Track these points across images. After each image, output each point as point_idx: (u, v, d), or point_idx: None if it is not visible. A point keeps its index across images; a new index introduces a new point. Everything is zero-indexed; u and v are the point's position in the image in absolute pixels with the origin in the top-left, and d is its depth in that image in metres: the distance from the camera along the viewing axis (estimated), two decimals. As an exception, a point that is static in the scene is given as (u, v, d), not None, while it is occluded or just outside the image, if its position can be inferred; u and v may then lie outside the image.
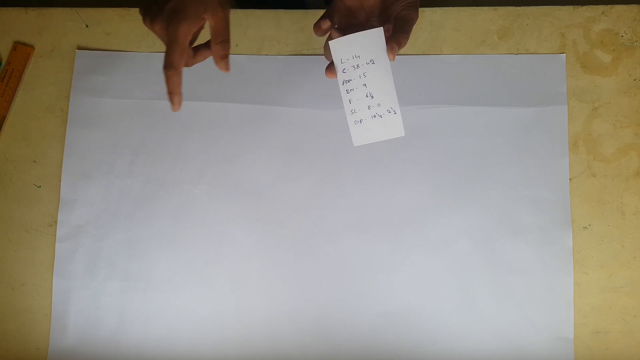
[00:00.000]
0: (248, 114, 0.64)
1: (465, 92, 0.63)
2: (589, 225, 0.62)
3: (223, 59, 0.51)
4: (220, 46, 0.51)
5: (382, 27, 0.51)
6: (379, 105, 0.53)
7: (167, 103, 0.64)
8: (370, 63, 0.52)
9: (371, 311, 0.61)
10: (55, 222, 0.64)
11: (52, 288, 0.63)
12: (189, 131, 0.64)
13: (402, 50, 0.64)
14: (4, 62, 0.66)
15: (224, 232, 0.63)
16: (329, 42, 0.52)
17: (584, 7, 0.64)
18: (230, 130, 0.64)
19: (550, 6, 0.64)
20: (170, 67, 0.49)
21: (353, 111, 0.53)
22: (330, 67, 0.54)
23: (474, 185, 0.62)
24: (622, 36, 0.63)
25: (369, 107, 0.53)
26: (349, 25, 0.55)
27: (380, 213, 0.62)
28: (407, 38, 0.53)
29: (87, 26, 0.66)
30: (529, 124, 0.62)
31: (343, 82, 0.53)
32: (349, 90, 0.53)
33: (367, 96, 0.53)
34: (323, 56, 0.56)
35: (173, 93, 0.50)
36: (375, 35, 0.51)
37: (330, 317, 0.62)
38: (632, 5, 0.63)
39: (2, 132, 0.65)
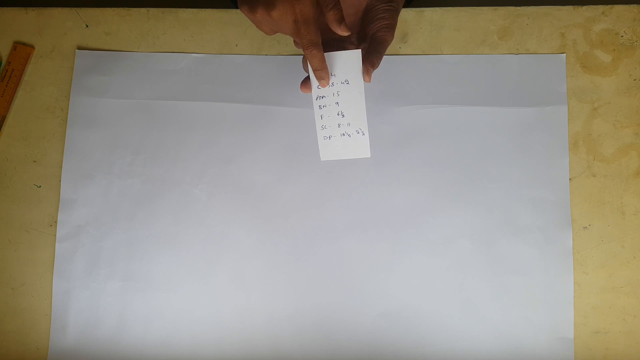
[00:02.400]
0: (248, 114, 0.64)
1: (465, 92, 0.63)
2: (589, 225, 0.62)
3: (339, 23, 0.51)
4: (332, 12, 0.51)
5: (360, 50, 0.52)
6: (348, 124, 0.54)
7: (167, 103, 0.65)
8: (345, 83, 0.53)
9: (371, 311, 0.61)
10: (55, 222, 0.64)
11: (52, 288, 0.63)
12: (189, 131, 0.64)
13: (402, 50, 0.64)
14: (4, 62, 0.66)
15: (224, 232, 0.63)
16: None
17: (584, 7, 0.64)
18: (230, 130, 0.64)
19: (550, 6, 0.64)
20: (314, 45, 0.50)
21: (323, 127, 0.55)
22: (306, 82, 0.55)
23: (474, 185, 0.62)
24: (622, 36, 0.63)
25: (339, 125, 0.55)
26: (329, 40, 0.55)
27: (380, 213, 0.62)
28: (380, 59, 0.54)
29: (87, 26, 0.66)
30: (529, 124, 0.62)
31: (317, 98, 0.54)
32: (322, 106, 0.54)
33: (338, 114, 0.54)
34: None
35: (322, 69, 0.52)
36: (353, 57, 0.53)
37: (330, 317, 0.62)
38: (632, 5, 0.63)
39: (2, 132, 0.65)
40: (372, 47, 0.54)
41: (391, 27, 0.54)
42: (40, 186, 0.64)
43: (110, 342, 0.62)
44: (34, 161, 0.65)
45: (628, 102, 0.63)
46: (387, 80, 0.63)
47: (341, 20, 0.51)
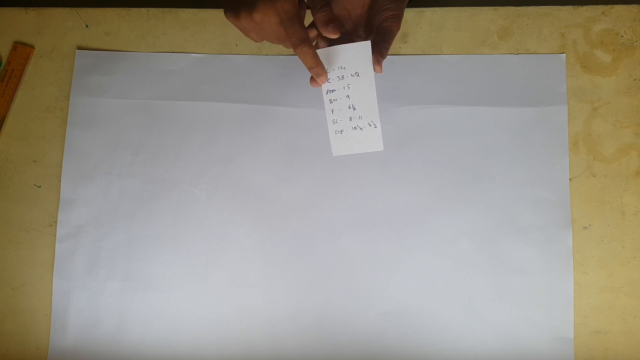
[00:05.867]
0: (248, 114, 0.64)
1: (465, 92, 0.63)
2: (589, 225, 0.62)
3: (327, 25, 0.50)
4: (320, 13, 0.50)
5: (369, 41, 0.52)
6: (360, 117, 0.54)
7: (167, 103, 0.65)
8: (355, 75, 0.53)
9: (372, 311, 0.61)
10: (55, 222, 0.64)
11: (52, 288, 0.63)
12: (188, 131, 0.64)
13: (402, 50, 0.64)
14: (4, 62, 0.66)
15: (224, 232, 0.63)
16: (317, 50, 0.53)
17: (584, 7, 0.64)
18: (230, 130, 0.64)
19: (550, 6, 0.64)
20: (303, 42, 0.49)
21: (335, 121, 0.54)
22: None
23: (474, 185, 0.62)
24: (622, 36, 0.63)
25: (350, 119, 0.54)
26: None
27: (380, 213, 0.62)
28: (388, 49, 0.53)
29: (87, 26, 0.66)
30: (529, 124, 0.62)
31: (327, 92, 0.54)
32: (332, 100, 0.54)
33: (349, 108, 0.54)
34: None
35: (316, 66, 0.51)
36: (363, 49, 0.52)
37: (331, 317, 0.62)
38: (632, 5, 0.63)
39: (2, 132, 0.65)
40: (380, 37, 0.53)
41: (397, 17, 0.54)
42: (40, 186, 0.64)
43: (110, 342, 0.62)
44: (34, 161, 0.65)
45: (628, 102, 0.63)
46: (387, 80, 0.63)
47: (329, 21, 0.50)
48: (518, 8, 0.64)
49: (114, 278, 0.63)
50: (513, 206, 0.62)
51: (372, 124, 0.54)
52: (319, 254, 0.62)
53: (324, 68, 0.52)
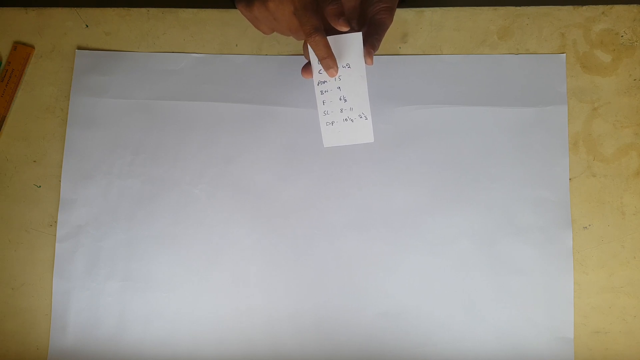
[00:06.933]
0: (248, 114, 0.64)
1: (465, 92, 0.63)
2: (589, 225, 0.62)
3: (338, 18, 0.50)
4: (331, 6, 0.50)
5: (361, 33, 0.52)
6: (351, 109, 0.54)
7: (167, 103, 0.65)
8: (347, 67, 0.53)
9: (371, 311, 0.61)
10: (55, 222, 0.64)
11: (52, 288, 0.63)
12: (188, 131, 0.64)
13: (402, 50, 0.64)
14: (4, 62, 0.66)
15: (224, 232, 0.63)
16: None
17: (584, 7, 0.64)
18: (230, 130, 0.64)
19: (550, 6, 0.64)
20: (316, 31, 0.49)
21: (326, 112, 0.54)
22: (307, 67, 0.54)
23: (474, 185, 0.62)
24: (622, 36, 0.63)
25: (341, 110, 0.54)
26: (328, 24, 0.55)
27: (380, 213, 0.62)
28: (380, 42, 0.54)
29: (87, 26, 0.66)
30: (529, 124, 0.62)
31: (318, 83, 0.54)
32: (324, 92, 0.54)
33: (340, 99, 0.54)
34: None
35: (328, 57, 0.51)
36: (354, 40, 0.52)
37: (330, 317, 0.62)
38: (632, 5, 0.63)
39: (2, 132, 0.65)
40: (372, 29, 0.53)
41: (390, 9, 0.54)
42: (40, 186, 0.64)
43: (110, 342, 0.62)
44: (34, 161, 0.65)
45: (628, 102, 0.63)
46: (387, 80, 0.63)
47: (340, 14, 0.50)
48: (518, 8, 0.64)
49: (114, 278, 0.63)
50: (513, 206, 0.62)
51: (363, 115, 0.54)
52: (319, 254, 0.62)
53: (335, 60, 0.52)
